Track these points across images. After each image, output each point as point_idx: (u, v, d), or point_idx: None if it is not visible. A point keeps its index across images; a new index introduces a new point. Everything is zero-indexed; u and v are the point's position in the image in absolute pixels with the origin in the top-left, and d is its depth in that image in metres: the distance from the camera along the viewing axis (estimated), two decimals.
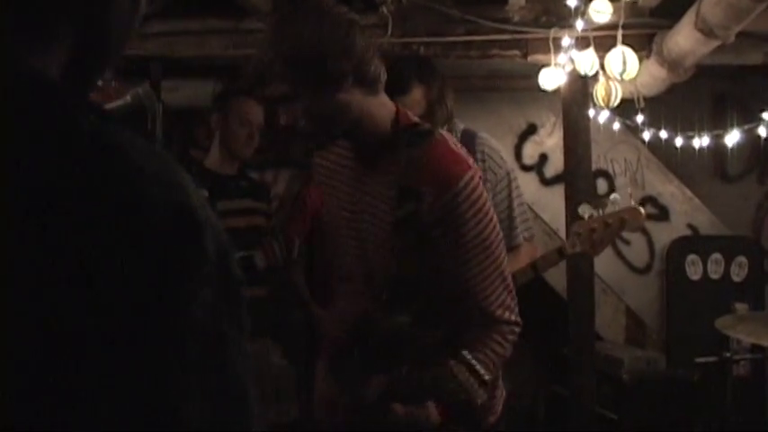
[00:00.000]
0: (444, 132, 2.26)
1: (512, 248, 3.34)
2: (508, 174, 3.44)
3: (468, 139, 3.39)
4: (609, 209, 3.19)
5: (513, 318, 2.29)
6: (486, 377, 2.09)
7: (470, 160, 2.22)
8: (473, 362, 2.08)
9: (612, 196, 3.28)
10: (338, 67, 2.05)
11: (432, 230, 2.19)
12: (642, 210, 3.25)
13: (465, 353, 2.09)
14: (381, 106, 2.21)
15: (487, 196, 2.23)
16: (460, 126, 3.50)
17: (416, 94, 3.27)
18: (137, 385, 0.68)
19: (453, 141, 2.26)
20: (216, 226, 0.76)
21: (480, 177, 2.21)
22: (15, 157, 0.68)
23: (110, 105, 1.88)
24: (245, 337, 0.78)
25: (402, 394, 2.15)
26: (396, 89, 3.08)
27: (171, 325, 0.70)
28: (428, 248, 2.22)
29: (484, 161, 3.37)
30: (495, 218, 2.23)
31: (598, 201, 3.30)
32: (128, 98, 1.82)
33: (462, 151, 2.24)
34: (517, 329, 2.31)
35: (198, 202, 0.75)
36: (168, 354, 0.69)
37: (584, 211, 3.23)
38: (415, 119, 2.28)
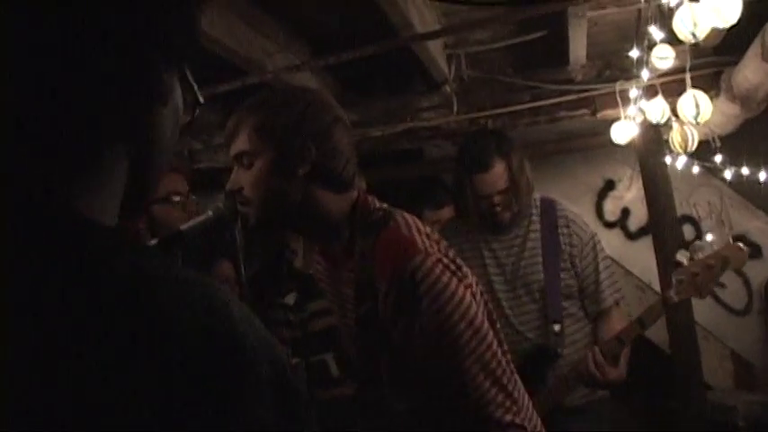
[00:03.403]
0: (404, 215, 1.98)
1: (600, 312, 3.30)
2: (593, 237, 3.36)
3: (548, 207, 3.38)
4: (706, 251, 3.06)
5: (508, 418, 1.85)
6: None
7: (427, 244, 1.89)
8: None
9: (697, 243, 3.16)
10: (303, 151, 1.91)
11: (391, 329, 1.87)
12: (742, 245, 3.09)
13: None
14: (340, 200, 1.99)
15: (455, 282, 1.84)
16: (537, 195, 3.43)
17: (498, 169, 3.23)
18: None
19: (410, 225, 1.95)
20: (270, 347, 0.76)
21: (440, 262, 1.85)
22: (53, 302, 0.69)
23: (194, 221, 2.02)
24: None
25: None
26: (478, 166, 3.24)
27: None
28: (393, 349, 1.90)
29: (568, 226, 3.32)
30: (468, 305, 1.84)
31: (694, 246, 3.13)
32: (209, 213, 1.99)
33: (418, 235, 1.91)
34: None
35: (245, 327, 0.74)
36: None
37: (683, 256, 3.10)
38: (377, 203, 2.02)
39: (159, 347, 0.68)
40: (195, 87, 0.95)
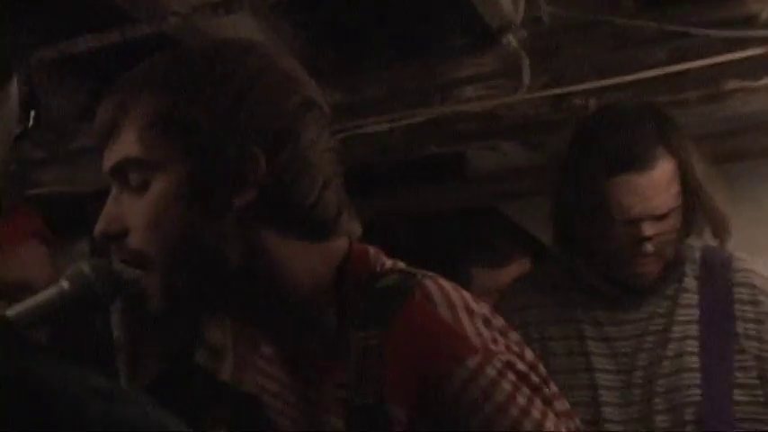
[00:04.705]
0: (439, 282, 1.73)
1: None
2: None
3: (716, 262, 3.01)
4: None
5: None
6: None
7: (485, 335, 1.67)
8: None
9: None
10: (243, 163, 1.67)
11: None
12: None
13: None
14: (314, 254, 1.78)
15: (538, 405, 1.64)
16: (697, 244, 3.04)
17: (664, 170, 2.77)
18: None
19: (453, 300, 1.69)
20: None
21: (510, 367, 1.64)
22: None
23: (31, 301, 1.89)
24: None
25: None
26: (627, 162, 2.81)
27: None
28: None
29: (753, 294, 2.94)
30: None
31: None
32: (63, 285, 1.88)
33: (468, 318, 1.68)
34: None
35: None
36: None
37: None
38: (385, 261, 1.81)
39: None
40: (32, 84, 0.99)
